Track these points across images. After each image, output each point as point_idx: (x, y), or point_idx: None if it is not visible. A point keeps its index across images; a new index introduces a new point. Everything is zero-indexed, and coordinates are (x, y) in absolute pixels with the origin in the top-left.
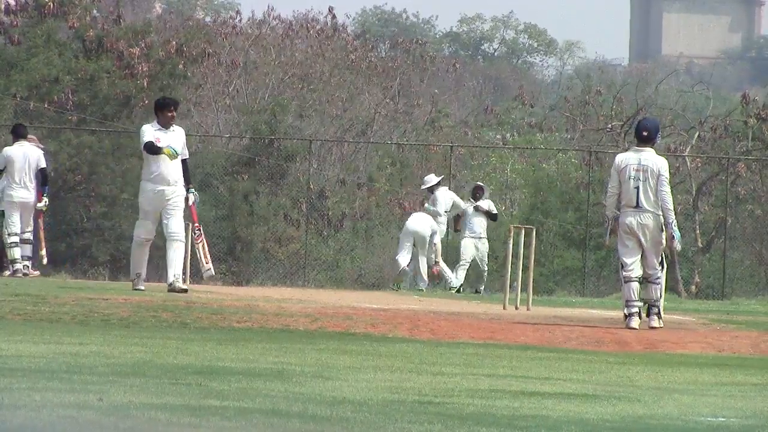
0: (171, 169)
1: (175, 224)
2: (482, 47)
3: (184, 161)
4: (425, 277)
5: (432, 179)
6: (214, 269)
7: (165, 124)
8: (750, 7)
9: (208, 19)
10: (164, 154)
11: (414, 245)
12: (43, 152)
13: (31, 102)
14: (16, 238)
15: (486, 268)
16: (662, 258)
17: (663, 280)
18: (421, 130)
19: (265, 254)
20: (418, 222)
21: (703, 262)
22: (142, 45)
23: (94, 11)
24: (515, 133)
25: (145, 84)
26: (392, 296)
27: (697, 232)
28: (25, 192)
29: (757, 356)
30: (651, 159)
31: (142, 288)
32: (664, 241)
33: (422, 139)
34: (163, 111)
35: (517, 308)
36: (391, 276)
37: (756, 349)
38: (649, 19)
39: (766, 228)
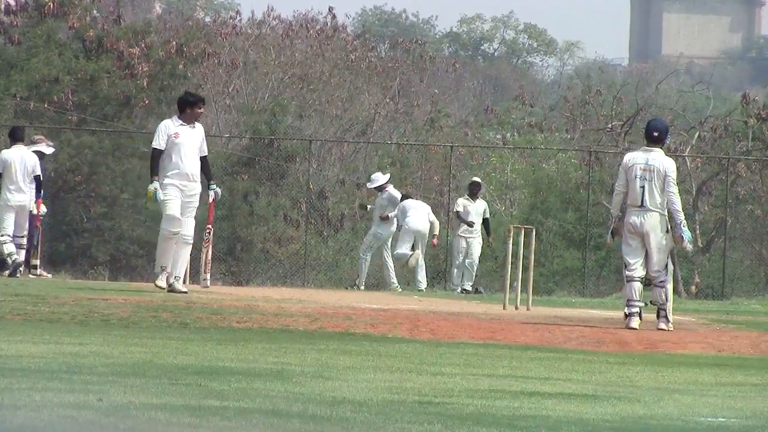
0: (190, 165)
1: (188, 226)
2: (482, 47)
3: (204, 158)
4: (424, 274)
5: (381, 177)
6: (211, 274)
7: (189, 121)
8: (750, 8)
9: (208, 19)
10: (147, 190)
11: (413, 243)
12: (52, 149)
13: (31, 102)
14: (8, 238)
15: (475, 268)
16: (668, 261)
17: (670, 283)
18: (421, 130)
19: (265, 254)
20: (420, 220)
21: (703, 262)
22: (142, 45)
23: (94, 11)
24: (515, 133)
25: (145, 84)
26: (392, 297)
27: (697, 232)
28: (21, 195)
29: (757, 356)
30: (659, 159)
31: (163, 285)
32: (669, 242)
33: (422, 139)
34: (193, 108)
35: (517, 308)
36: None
37: (756, 349)
38: (650, 19)
39: (766, 228)
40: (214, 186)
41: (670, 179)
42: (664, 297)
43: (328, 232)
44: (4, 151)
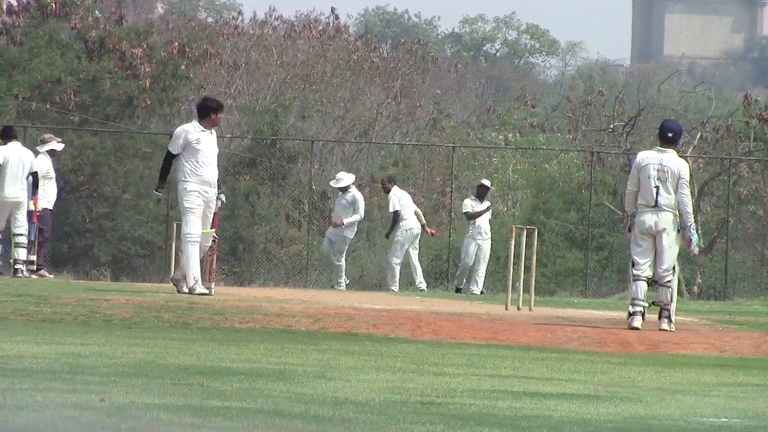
0: (211, 171)
1: (197, 226)
2: (484, 48)
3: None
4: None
5: (346, 177)
6: (218, 271)
7: (209, 127)
8: (752, 8)
9: (210, 19)
10: (156, 192)
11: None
12: (63, 145)
13: (34, 103)
14: None
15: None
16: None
17: (675, 284)
18: (423, 130)
19: (267, 255)
20: (416, 223)
21: (705, 263)
22: (145, 46)
23: (97, 12)
24: (517, 134)
25: (147, 85)
26: (394, 297)
27: (699, 232)
28: (16, 191)
29: (759, 357)
30: (673, 161)
31: (207, 291)
32: (678, 243)
33: (424, 139)
34: (216, 114)
35: (519, 309)
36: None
37: (758, 349)
38: (651, 19)
39: (767, 229)
40: (222, 195)
41: (683, 181)
42: (669, 297)
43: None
44: (1, 148)
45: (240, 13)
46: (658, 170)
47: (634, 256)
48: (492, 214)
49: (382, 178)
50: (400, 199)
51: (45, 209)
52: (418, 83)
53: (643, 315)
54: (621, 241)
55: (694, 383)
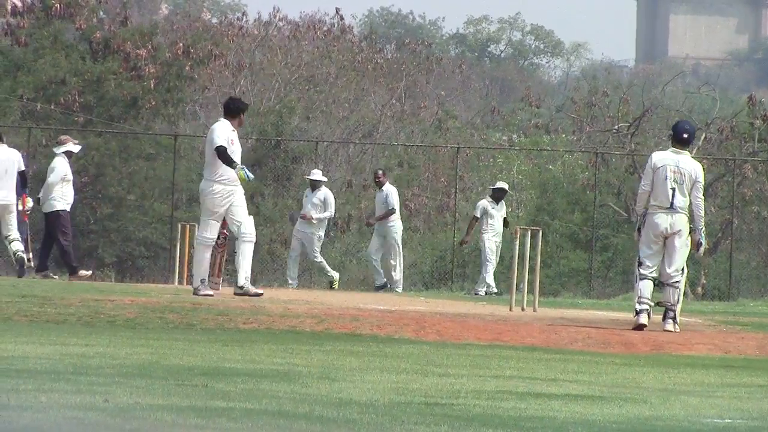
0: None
1: (249, 224)
2: (489, 49)
3: None
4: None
5: (319, 174)
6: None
7: (237, 126)
8: (757, 9)
9: (214, 20)
10: (237, 175)
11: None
12: (79, 147)
13: (38, 103)
14: None
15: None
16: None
17: (682, 285)
18: (428, 131)
19: (271, 255)
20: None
21: (710, 264)
22: (149, 46)
23: (101, 13)
24: (522, 135)
25: (152, 86)
26: (398, 298)
27: (705, 234)
28: (5, 194)
29: (764, 357)
30: (689, 164)
31: (210, 293)
32: (689, 245)
33: (429, 140)
34: (244, 114)
35: (523, 310)
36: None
37: (762, 350)
38: (656, 20)
39: None
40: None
41: (699, 185)
42: (675, 298)
43: (335, 234)
44: None
45: (244, 13)
46: (674, 172)
47: (644, 258)
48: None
49: (377, 170)
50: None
51: (65, 211)
52: (423, 84)
53: (648, 314)
54: (625, 241)
55: (699, 384)
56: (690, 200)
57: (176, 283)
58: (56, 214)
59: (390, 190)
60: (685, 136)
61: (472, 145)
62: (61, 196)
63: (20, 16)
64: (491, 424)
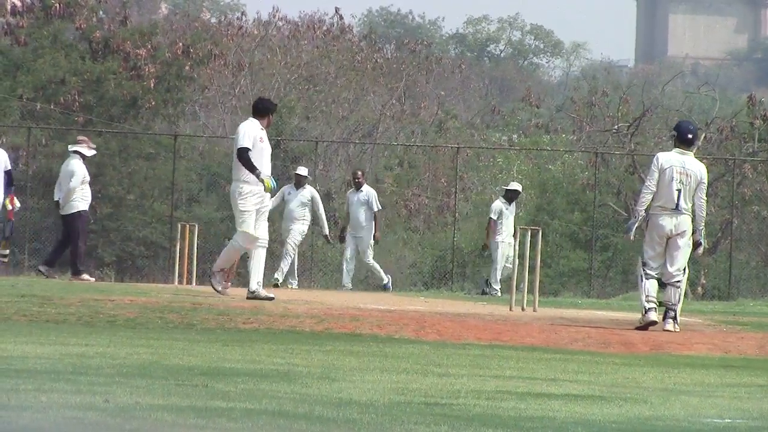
0: (267, 170)
1: (263, 230)
2: (488, 48)
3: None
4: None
5: (306, 171)
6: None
7: (266, 126)
8: (756, 9)
9: (214, 20)
10: (262, 182)
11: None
12: (93, 152)
13: (38, 103)
14: None
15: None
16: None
17: (684, 285)
18: (428, 131)
19: (271, 255)
20: None
21: (710, 263)
22: (149, 46)
23: (101, 12)
24: (521, 135)
25: (152, 85)
26: (398, 297)
27: (705, 234)
28: None
29: (764, 357)
30: (694, 165)
31: (272, 296)
32: (690, 246)
33: (429, 140)
34: (272, 114)
35: (523, 309)
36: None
37: (762, 350)
38: (655, 20)
39: None
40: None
41: (704, 186)
42: (677, 297)
43: (335, 233)
44: None
45: (244, 13)
46: (680, 173)
47: (648, 259)
48: (498, 215)
49: (357, 170)
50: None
51: (85, 211)
52: (422, 84)
53: (656, 310)
54: (625, 241)
55: (699, 384)
56: (694, 201)
57: (176, 283)
58: (77, 215)
59: (371, 192)
60: (690, 136)
61: (472, 145)
62: (81, 198)
63: (20, 15)
64: (491, 424)
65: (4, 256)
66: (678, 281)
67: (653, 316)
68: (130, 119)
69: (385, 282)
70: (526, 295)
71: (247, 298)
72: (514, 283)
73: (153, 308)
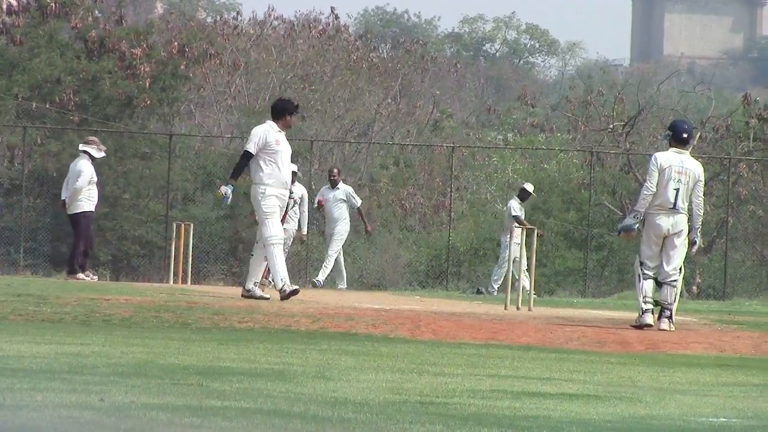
0: (287, 173)
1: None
2: (484, 48)
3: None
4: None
5: (295, 167)
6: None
7: (284, 128)
8: (752, 8)
9: (209, 19)
10: (220, 189)
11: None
12: (103, 154)
13: (33, 103)
14: None
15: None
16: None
17: (679, 284)
18: (423, 130)
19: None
20: None
21: (705, 263)
22: (144, 45)
23: (96, 12)
24: (517, 134)
25: (147, 85)
26: (393, 297)
27: (700, 233)
28: None
29: (759, 357)
30: (691, 164)
31: (299, 288)
32: (686, 245)
33: (424, 139)
34: (292, 116)
35: (518, 309)
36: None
37: (757, 349)
38: (651, 19)
39: (767, 228)
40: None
41: (701, 184)
42: (672, 296)
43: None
44: None
45: (239, 12)
46: (679, 173)
47: (645, 259)
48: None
49: (333, 168)
50: None
51: (91, 212)
52: (418, 83)
53: (652, 312)
54: (620, 240)
55: (694, 383)
56: (690, 200)
57: (171, 282)
58: (82, 215)
59: (348, 189)
60: (685, 135)
61: (467, 144)
62: (88, 198)
63: (15, 15)
64: (486, 423)
65: None
66: (674, 280)
67: (649, 319)
68: (126, 118)
69: (318, 279)
70: (521, 294)
71: (243, 296)
72: (510, 282)
73: (148, 307)
